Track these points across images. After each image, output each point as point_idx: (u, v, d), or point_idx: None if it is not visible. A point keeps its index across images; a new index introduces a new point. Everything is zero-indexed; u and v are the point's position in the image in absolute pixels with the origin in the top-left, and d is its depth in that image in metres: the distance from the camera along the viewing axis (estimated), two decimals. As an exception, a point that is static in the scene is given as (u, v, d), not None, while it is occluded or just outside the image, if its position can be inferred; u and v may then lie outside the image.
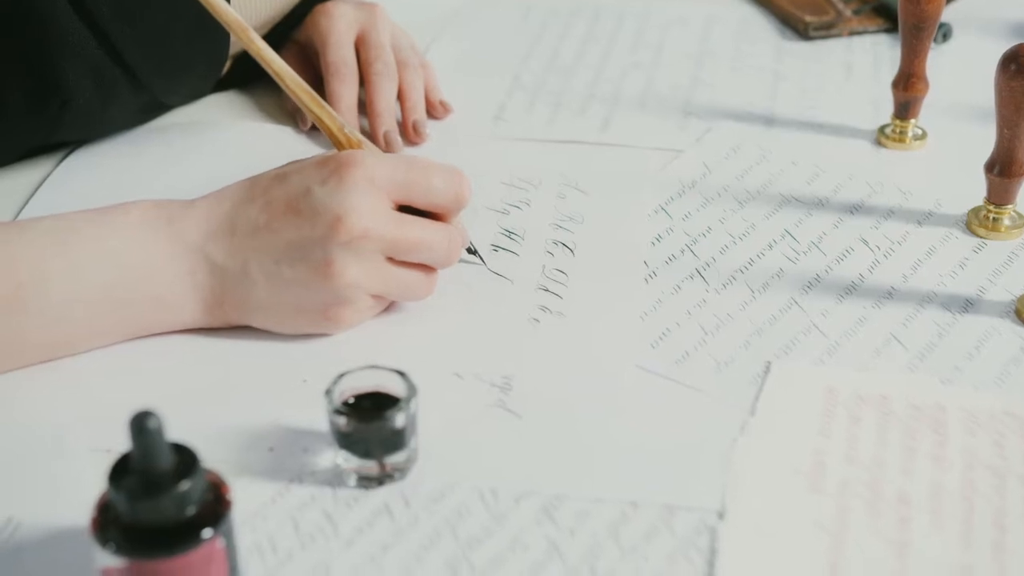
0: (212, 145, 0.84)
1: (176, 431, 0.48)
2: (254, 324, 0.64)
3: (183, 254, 0.62)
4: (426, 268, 0.66)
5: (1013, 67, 0.69)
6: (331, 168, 0.62)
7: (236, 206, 0.63)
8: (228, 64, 0.87)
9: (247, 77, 0.89)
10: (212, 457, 0.49)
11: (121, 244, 0.61)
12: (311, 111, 0.69)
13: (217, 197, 0.64)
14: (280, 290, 0.62)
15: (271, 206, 0.62)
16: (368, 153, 0.64)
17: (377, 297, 0.64)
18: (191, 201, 0.64)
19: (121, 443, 0.48)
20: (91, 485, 0.55)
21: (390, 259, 0.63)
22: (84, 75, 0.75)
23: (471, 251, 0.71)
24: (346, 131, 0.69)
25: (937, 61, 0.91)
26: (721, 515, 0.55)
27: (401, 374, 0.57)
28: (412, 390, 0.56)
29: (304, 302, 0.63)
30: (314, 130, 0.86)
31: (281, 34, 0.89)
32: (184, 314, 0.64)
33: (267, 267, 0.62)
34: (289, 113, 0.88)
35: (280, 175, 0.63)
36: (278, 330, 0.64)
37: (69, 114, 0.77)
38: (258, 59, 0.68)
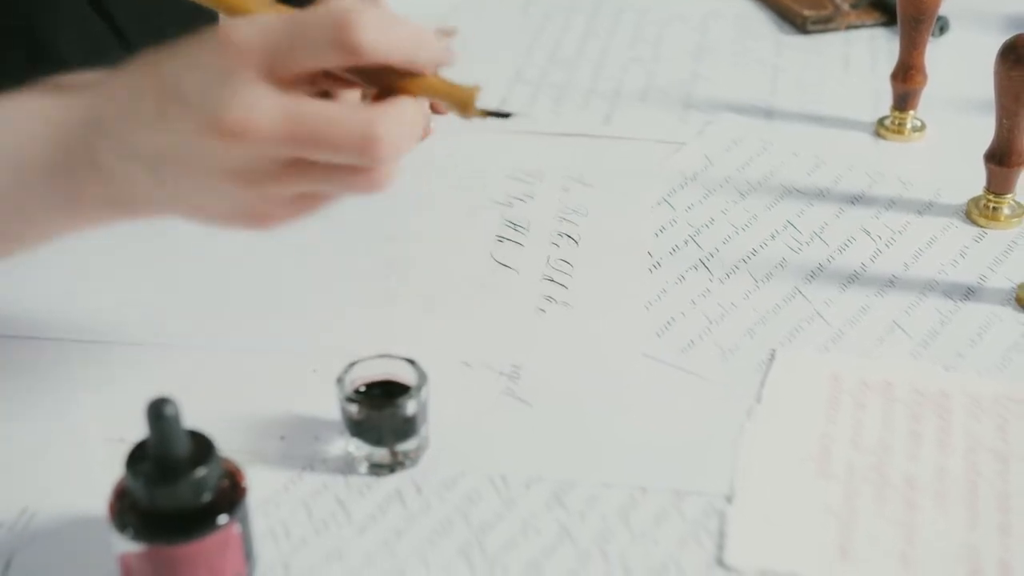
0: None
1: (188, 419, 0.48)
2: (168, 216, 0.53)
3: (63, 129, 0.52)
4: None
5: (1012, 57, 0.70)
6: (204, 48, 0.49)
7: (121, 91, 0.51)
8: None
9: None
10: (224, 446, 0.50)
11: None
12: None
13: (115, 77, 0.53)
14: (175, 189, 0.51)
15: (156, 95, 0.50)
16: (237, 25, 0.49)
17: (293, 197, 0.52)
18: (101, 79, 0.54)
19: (135, 433, 0.49)
20: (105, 474, 0.56)
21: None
22: (76, 42, 0.74)
23: (491, 113, 0.56)
24: None
25: (935, 53, 0.92)
26: (730, 499, 0.56)
27: (411, 362, 0.57)
28: (423, 378, 0.57)
29: (206, 204, 0.52)
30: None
31: None
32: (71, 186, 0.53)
33: (149, 164, 0.50)
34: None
35: (168, 55, 0.51)
36: (196, 222, 0.53)
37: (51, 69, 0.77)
38: None
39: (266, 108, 0.47)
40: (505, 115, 0.57)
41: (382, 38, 0.47)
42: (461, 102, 0.53)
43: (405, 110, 0.50)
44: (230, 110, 0.47)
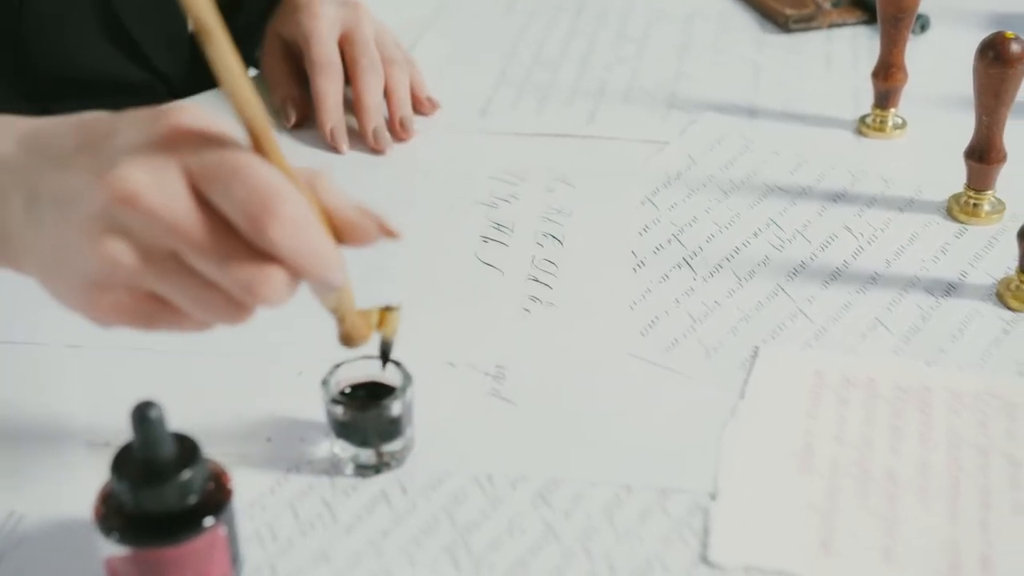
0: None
1: (174, 422, 0.48)
2: (28, 269, 0.51)
3: None
4: None
5: (991, 55, 0.71)
6: (152, 115, 0.48)
7: (55, 125, 0.51)
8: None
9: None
10: (210, 448, 0.50)
11: None
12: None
13: (60, 117, 0.52)
14: (40, 235, 0.48)
15: (79, 137, 0.49)
16: (196, 113, 0.48)
17: (148, 296, 0.48)
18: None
19: (119, 436, 0.49)
20: (91, 478, 0.56)
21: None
22: None
23: (385, 354, 0.57)
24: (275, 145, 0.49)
25: (915, 51, 0.92)
26: (714, 496, 0.56)
27: (396, 363, 0.57)
28: (407, 379, 0.57)
29: (64, 263, 0.48)
30: (298, 127, 0.87)
31: (256, 26, 0.90)
32: None
33: (31, 201, 0.48)
34: (274, 111, 0.88)
35: (120, 114, 0.50)
36: (47, 288, 0.50)
37: (27, 20, 0.79)
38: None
39: (168, 192, 0.45)
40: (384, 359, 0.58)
41: (289, 239, 0.45)
42: (348, 334, 0.53)
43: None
44: (134, 172, 0.45)
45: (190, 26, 0.90)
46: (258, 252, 0.46)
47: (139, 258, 0.46)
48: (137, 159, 0.46)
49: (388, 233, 0.50)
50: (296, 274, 0.47)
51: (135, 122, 0.48)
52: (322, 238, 0.47)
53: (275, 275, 0.46)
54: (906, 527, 0.55)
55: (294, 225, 0.45)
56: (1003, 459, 0.58)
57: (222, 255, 0.46)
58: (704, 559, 0.53)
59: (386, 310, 0.55)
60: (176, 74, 0.91)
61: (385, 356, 0.57)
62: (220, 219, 0.46)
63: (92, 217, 0.46)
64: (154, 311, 0.48)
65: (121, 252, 0.46)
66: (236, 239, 0.46)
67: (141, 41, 0.88)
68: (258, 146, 0.47)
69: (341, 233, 0.49)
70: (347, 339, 0.53)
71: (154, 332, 0.49)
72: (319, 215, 0.47)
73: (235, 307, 0.48)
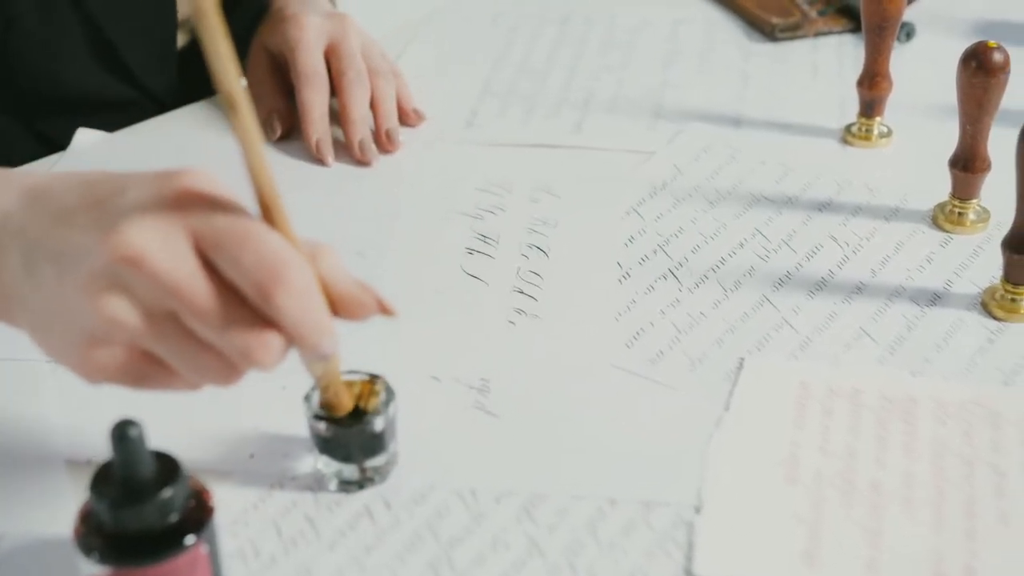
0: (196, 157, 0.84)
1: (155, 439, 0.48)
2: (21, 324, 0.51)
3: None
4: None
5: (974, 64, 0.71)
6: (161, 177, 0.48)
7: (60, 181, 0.50)
8: (188, 37, 0.88)
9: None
10: (192, 465, 0.50)
11: None
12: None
13: (64, 172, 0.52)
14: (38, 290, 0.48)
15: (84, 194, 0.49)
16: (205, 177, 0.48)
17: (142, 356, 0.48)
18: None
19: (101, 454, 0.49)
20: (72, 496, 0.56)
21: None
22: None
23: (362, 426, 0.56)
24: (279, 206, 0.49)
25: (900, 60, 0.92)
26: (698, 509, 0.56)
27: (378, 378, 0.57)
28: (390, 394, 0.57)
29: (61, 319, 0.48)
30: (284, 139, 0.86)
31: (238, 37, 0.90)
32: None
33: (31, 256, 0.48)
34: (260, 123, 0.88)
35: (127, 173, 0.50)
36: (38, 343, 0.50)
37: (14, 38, 0.79)
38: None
39: (174, 255, 0.45)
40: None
41: (294, 308, 0.46)
42: (330, 403, 0.55)
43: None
44: (140, 233, 0.45)
45: (179, 43, 0.91)
46: (258, 319, 0.47)
47: (139, 317, 0.47)
48: (144, 220, 0.46)
49: (385, 311, 0.51)
50: (293, 342, 0.48)
51: (143, 182, 0.48)
52: (323, 309, 0.48)
53: (273, 341, 0.47)
54: (891, 538, 0.54)
55: (300, 295, 0.46)
56: (988, 469, 0.58)
57: (222, 319, 0.46)
58: (688, 573, 0.53)
59: (369, 383, 0.57)
60: (164, 92, 0.91)
61: (362, 429, 0.56)
62: (224, 284, 0.46)
63: (94, 275, 0.46)
64: (146, 370, 0.49)
65: (122, 311, 0.46)
66: (238, 305, 0.46)
67: (129, 60, 0.88)
68: (267, 215, 0.48)
69: (338, 305, 0.49)
70: (329, 407, 0.55)
71: (144, 390, 0.49)
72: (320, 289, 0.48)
73: (228, 370, 0.48)
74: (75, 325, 0.47)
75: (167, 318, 0.47)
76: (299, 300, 0.46)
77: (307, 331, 0.47)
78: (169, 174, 0.48)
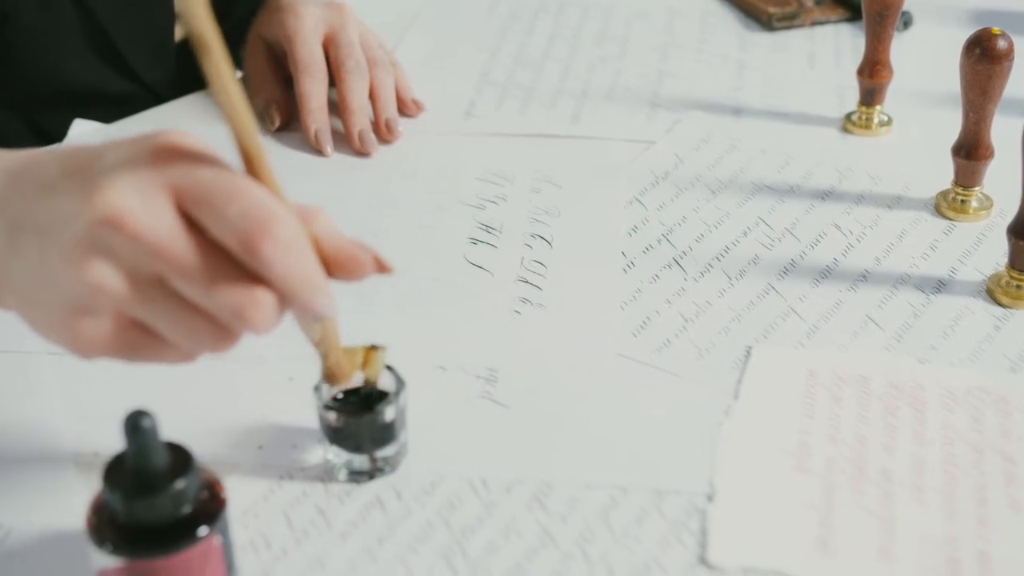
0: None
1: (164, 431, 0.48)
2: (8, 303, 0.49)
3: None
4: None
5: (978, 51, 0.71)
6: (138, 138, 0.47)
7: (41, 155, 0.49)
8: (184, 28, 0.88)
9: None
10: (201, 456, 0.49)
11: None
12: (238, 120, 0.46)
13: (44, 149, 0.52)
14: (22, 265, 0.47)
15: (64, 164, 0.48)
16: (184, 134, 0.47)
17: (131, 324, 0.47)
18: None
19: (109, 446, 0.48)
20: (81, 488, 0.56)
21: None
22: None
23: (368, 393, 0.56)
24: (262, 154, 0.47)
25: (899, 48, 0.92)
26: (710, 497, 0.56)
27: (388, 368, 0.57)
28: (400, 384, 0.56)
29: (46, 292, 0.47)
30: (282, 129, 0.86)
31: (238, 29, 0.90)
32: None
33: (14, 232, 0.47)
34: (258, 113, 0.87)
35: (106, 142, 0.49)
36: (28, 321, 0.49)
37: (12, 32, 0.78)
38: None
39: (155, 214, 0.44)
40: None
41: (282, 260, 0.44)
42: (331, 372, 0.53)
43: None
44: (119, 193, 0.44)
45: (176, 36, 0.90)
46: (247, 276, 0.45)
47: (125, 282, 0.45)
48: (122, 180, 0.45)
49: (382, 267, 0.49)
50: (285, 299, 0.46)
51: (120, 145, 0.47)
52: (314, 263, 0.46)
53: (264, 299, 0.45)
54: (903, 525, 0.54)
55: (288, 246, 0.44)
56: (997, 455, 0.58)
57: (210, 278, 0.45)
58: (702, 560, 0.53)
59: (371, 349, 0.55)
60: (162, 85, 0.90)
61: (373, 419, 0.56)
62: (208, 242, 0.45)
63: (77, 241, 0.45)
64: (137, 340, 0.47)
65: (106, 276, 0.45)
66: (224, 262, 0.45)
67: (126, 53, 0.87)
68: (250, 167, 0.46)
69: (333, 266, 0.48)
70: (330, 376, 0.54)
71: (137, 363, 0.48)
72: (312, 247, 0.47)
73: (221, 334, 0.47)
74: (60, 296, 0.46)
75: (153, 282, 0.45)
76: (287, 252, 0.44)
77: (298, 285, 0.45)
78: (147, 135, 0.47)
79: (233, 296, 0.45)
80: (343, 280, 0.48)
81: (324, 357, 0.53)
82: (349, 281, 0.48)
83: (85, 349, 0.47)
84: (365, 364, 0.55)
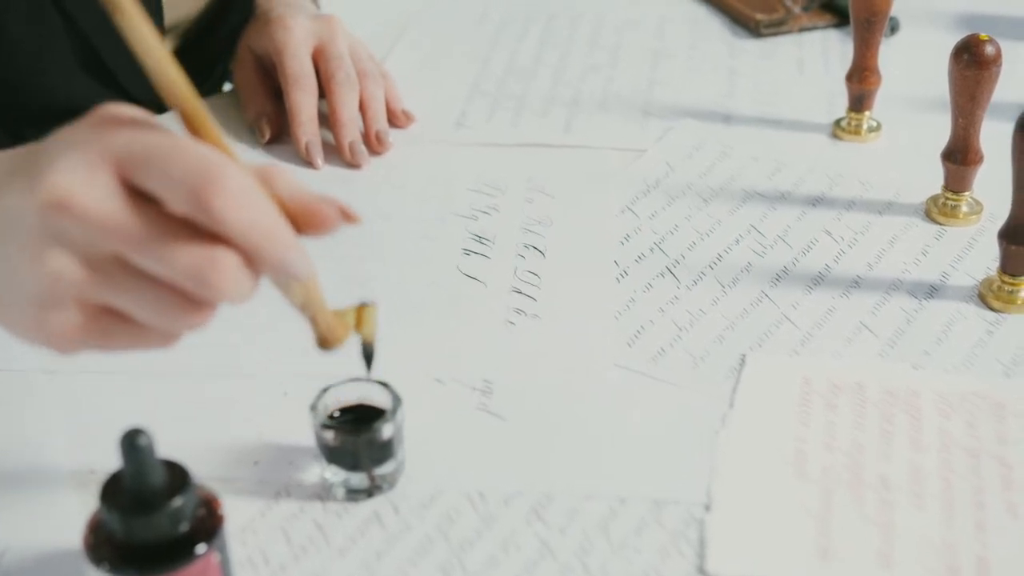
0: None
1: (160, 448, 0.47)
2: None
3: None
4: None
5: (966, 57, 0.71)
6: (79, 121, 0.46)
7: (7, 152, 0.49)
8: (174, 40, 0.87)
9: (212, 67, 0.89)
10: (197, 473, 0.49)
11: None
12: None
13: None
14: None
15: (12, 162, 0.47)
16: (121, 106, 0.46)
17: (100, 311, 0.45)
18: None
19: (105, 464, 0.48)
20: (77, 506, 0.55)
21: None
22: (25, 22, 0.75)
23: (368, 356, 0.55)
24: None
25: (887, 54, 0.93)
26: (708, 507, 0.56)
27: (385, 385, 0.57)
28: (397, 401, 0.56)
29: (11, 290, 0.46)
30: (272, 143, 0.86)
31: (228, 41, 0.90)
32: None
33: None
34: (248, 126, 0.87)
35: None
36: (3, 325, 0.48)
37: (1, 48, 0.78)
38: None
39: (99, 188, 0.43)
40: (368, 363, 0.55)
41: (235, 212, 0.43)
42: (324, 336, 0.50)
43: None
44: (60, 175, 0.43)
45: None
46: (207, 240, 0.43)
47: (82, 267, 0.44)
48: (63, 162, 0.44)
49: (348, 217, 0.47)
50: (249, 256, 0.44)
51: (62, 132, 0.46)
52: (273, 214, 0.44)
53: (225, 258, 0.43)
54: (901, 531, 0.55)
55: (239, 196, 0.43)
56: (994, 460, 0.58)
57: (166, 247, 0.43)
58: (701, 570, 0.53)
59: (362, 307, 0.52)
60: (152, 101, 0.90)
61: (368, 359, 0.54)
62: (160, 211, 0.43)
63: (30, 233, 0.44)
64: (110, 326, 0.46)
65: (63, 264, 0.44)
66: (180, 229, 0.43)
67: (115, 68, 0.87)
68: (192, 126, 0.45)
69: (300, 223, 0.46)
70: (323, 341, 0.50)
71: (117, 351, 0.47)
72: (275, 205, 0.45)
73: (191, 306, 0.45)
74: (25, 293, 0.45)
75: (112, 263, 0.44)
76: (239, 202, 0.43)
77: (259, 238, 0.43)
78: (85, 116, 0.46)
79: (191, 260, 0.43)
80: (313, 236, 0.46)
81: (313, 322, 0.50)
82: (319, 236, 0.47)
83: (61, 343, 0.46)
84: (358, 324, 0.51)
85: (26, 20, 0.79)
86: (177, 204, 0.43)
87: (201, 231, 0.43)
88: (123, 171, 0.44)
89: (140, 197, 0.43)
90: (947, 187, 0.77)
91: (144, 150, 0.43)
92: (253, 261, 0.44)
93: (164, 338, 0.47)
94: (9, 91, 0.85)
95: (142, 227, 0.43)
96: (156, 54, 0.43)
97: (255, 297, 0.71)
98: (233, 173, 0.43)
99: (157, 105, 0.95)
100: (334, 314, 0.50)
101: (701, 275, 0.72)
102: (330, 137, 0.85)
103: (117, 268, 0.44)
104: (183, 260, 0.43)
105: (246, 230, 0.43)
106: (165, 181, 0.43)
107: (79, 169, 0.43)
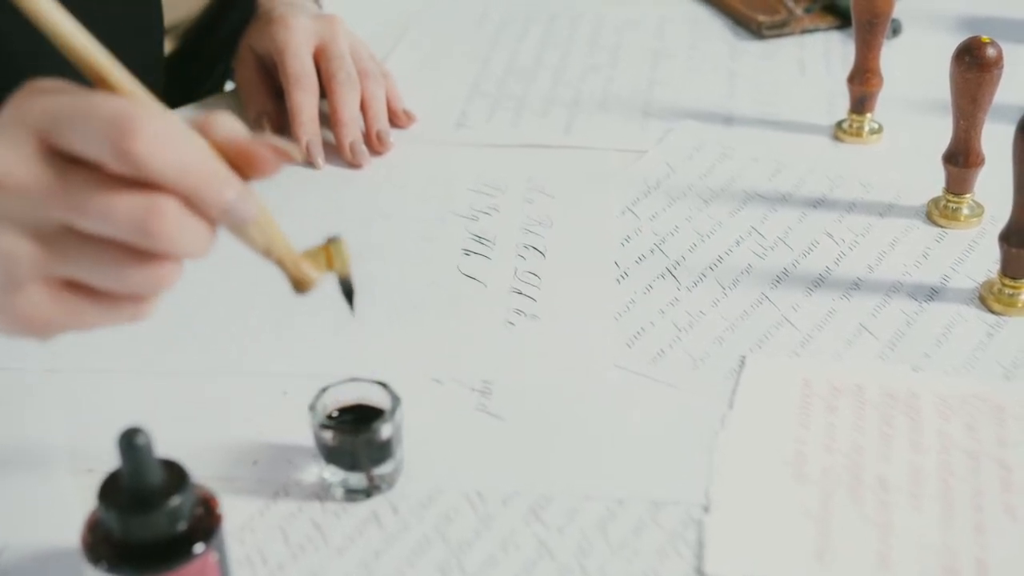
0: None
1: (158, 448, 0.47)
2: None
3: None
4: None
5: (967, 59, 0.71)
6: (6, 103, 0.47)
7: None
8: (174, 44, 0.87)
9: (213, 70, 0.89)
10: (195, 473, 0.49)
11: None
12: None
13: None
14: None
15: None
16: (44, 79, 0.47)
17: (63, 286, 0.46)
18: None
19: (103, 463, 0.48)
20: (75, 505, 0.55)
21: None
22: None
23: (348, 292, 0.53)
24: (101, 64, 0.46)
25: (889, 55, 0.92)
26: (707, 508, 0.56)
27: (383, 385, 0.57)
28: (396, 401, 0.56)
29: None
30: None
31: (229, 40, 0.89)
32: None
33: None
34: (249, 126, 0.87)
35: None
36: None
37: None
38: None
39: (26, 162, 0.43)
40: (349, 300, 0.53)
41: (160, 155, 0.42)
42: (297, 279, 0.49)
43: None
44: None
45: (165, 50, 0.90)
46: (144, 191, 0.43)
47: (33, 243, 0.44)
48: None
49: (283, 155, 0.46)
50: (189, 200, 0.44)
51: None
52: (205, 155, 0.44)
53: (163, 203, 0.43)
54: (901, 533, 0.54)
55: (162, 138, 0.42)
56: (993, 463, 0.58)
57: (102, 202, 0.43)
58: (699, 571, 0.53)
59: (330, 243, 0.50)
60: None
61: (349, 295, 0.53)
62: (93, 171, 0.43)
63: None
64: (79, 303, 0.46)
65: (13, 243, 0.44)
66: (117, 186, 0.43)
67: None
68: (102, 82, 0.45)
69: (240, 166, 0.45)
70: (298, 284, 0.49)
71: (92, 328, 0.46)
72: (215, 153, 0.45)
73: (144, 261, 0.44)
74: None
75: (61, 233, 0.44)
76: (162, 144, 0.42)
77: (192, 179, 0.43)
78: (14, 96, 0.46)
79: (129, 210, 0.43)
80: (256, 179, 0.46)
81: (281, 266, 0.49)
82: (261, 178, 0.46)
83: (33, 327, 0.46)
84: (330, 262, 0.50)
85: (21, 19, 0.79)
86: (103, 158, 0.43)
87: (141, 185, 0.43)
88: (46, 138, 0.44)
89: (73, 161, 0.44)
90: (948, 189, 0.77)
91: (60, 115, 0.44)
92: (194, 205, 0.44)
93: (135, 306, 0.46)
94: (5, 94, 0.85)
95: (78, 189, 0.43)
96: (52, 16, 0.44)
97: (255, 297, 0.71)
98: (150, 117, 0.43)
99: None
100: (303, 255, 0.49)
101: (701, 276, 0.72)
102: (331, 137, 0.85)
103: (67, 237, 0.44)
104: (121, 212, 0.43)
105: (176, 172, 0.43)
106: (87, 139, 0.43)
107: (4, 147, 0.44)
